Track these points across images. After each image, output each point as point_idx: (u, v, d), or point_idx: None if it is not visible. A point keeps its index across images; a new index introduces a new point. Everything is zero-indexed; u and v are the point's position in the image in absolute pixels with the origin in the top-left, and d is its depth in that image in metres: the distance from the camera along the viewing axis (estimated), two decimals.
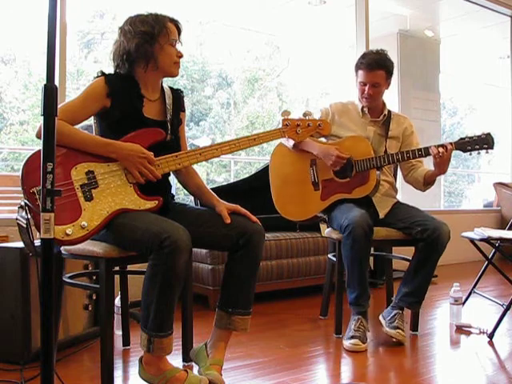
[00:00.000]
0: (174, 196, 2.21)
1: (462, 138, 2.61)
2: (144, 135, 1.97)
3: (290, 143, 2.79)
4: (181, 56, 2.07)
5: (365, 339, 2.51)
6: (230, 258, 2.02)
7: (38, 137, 1.84)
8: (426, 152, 2.61)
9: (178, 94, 2.19)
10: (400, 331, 2.55)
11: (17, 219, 1.85)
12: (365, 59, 2.72)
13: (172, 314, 1.83)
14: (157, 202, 1.94)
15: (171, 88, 2.20)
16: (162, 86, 2.16)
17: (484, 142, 2.57)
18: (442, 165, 2.59)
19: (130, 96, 2.01)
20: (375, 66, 2.69)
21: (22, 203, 1.80)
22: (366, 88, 2.72)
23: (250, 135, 2.08)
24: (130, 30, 2.00)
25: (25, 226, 1.78)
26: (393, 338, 2.57)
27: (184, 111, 2.24)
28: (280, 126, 2.11)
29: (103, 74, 2.01)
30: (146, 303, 1.80)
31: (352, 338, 2.50)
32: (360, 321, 2.55)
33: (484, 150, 2.58)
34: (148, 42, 1.99)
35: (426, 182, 2.78)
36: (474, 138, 2.58)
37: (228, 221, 1.97)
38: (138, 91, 2.05)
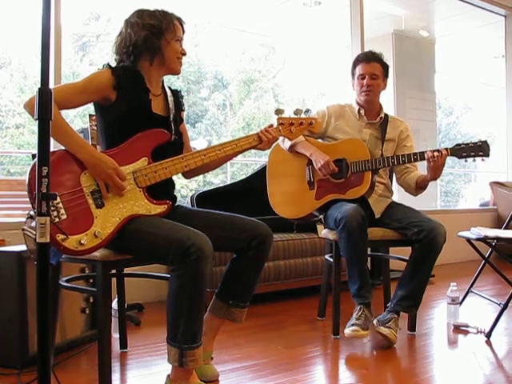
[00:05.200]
0: (176, 197, 2.16)
1: (457, 145, 2.59)
2: (150, 137, 1.92)
3: (286, 145, 2.79)
4: (184, 54, 2.05)
5: (365, 327, 2.52)
6: (238, 255, 2.03)
7: (26, 108, 1.74)
8: (421, 156, 2.60)
9: (177, 94, 2.17)
10: (392, 331, 2.52)
11: (23, 229, 1.80)
12: (361, 55, 2.87)
13: (202, 322, 1.82)
14: (166, 206, 1.91)
15: (170, 88, 2.18)
16: (163, 84, 2.13)
17: (480, 150, 2.54)
18: (435, 169, 2.59)
19: (137, 89, 1.97)
20: (372, 58, 2.80)
21: (32, 213, 1.75)
22: (365, 80, 2.75)
23: (250, 134, 2.07)
24: (138, 23, 1.96)
25: (33, 236, 1.72)
26: (384, 337, 2.52)
27: (184, 110, 2.22)
28: (276, 125, 2.13)
29: (110, 66, 1.96)
30: (175, 315, 1.76)
31: (352, 325, 2.52)
32: (362, 310, 2.56)
33: (479, 158, 2.57)
34: (155, 36, 1.96)
35: (418, 187, 2.78)
36: (470, 144, 2.56)
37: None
38: (144, 85, 2.00)
